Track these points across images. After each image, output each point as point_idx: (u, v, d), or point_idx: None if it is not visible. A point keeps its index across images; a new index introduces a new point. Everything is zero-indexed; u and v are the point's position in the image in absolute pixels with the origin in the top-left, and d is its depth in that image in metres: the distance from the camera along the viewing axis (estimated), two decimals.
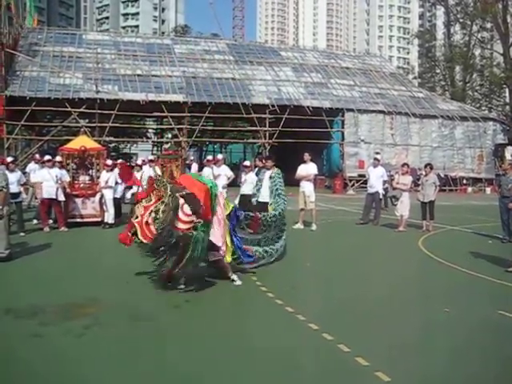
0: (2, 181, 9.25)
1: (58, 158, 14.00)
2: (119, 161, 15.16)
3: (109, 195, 13.99)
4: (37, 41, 36.65)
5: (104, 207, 13.98)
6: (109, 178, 14.04)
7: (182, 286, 7.01)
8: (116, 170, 14.14)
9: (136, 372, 4.42)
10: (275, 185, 10.46)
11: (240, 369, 4.48)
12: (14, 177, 12.05)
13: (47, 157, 14.01)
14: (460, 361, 4.73)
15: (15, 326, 5.56)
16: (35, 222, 13.98)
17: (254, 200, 11.23)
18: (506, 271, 8.47)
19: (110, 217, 13.97)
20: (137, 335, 5.37)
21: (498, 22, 47.65)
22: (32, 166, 16.88)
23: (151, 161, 16.48)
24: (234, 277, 7.45)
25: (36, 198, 13.72)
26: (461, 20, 53.43)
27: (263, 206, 10.53)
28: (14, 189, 11.47)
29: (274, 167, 11.07)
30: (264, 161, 12.02)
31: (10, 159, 13.30)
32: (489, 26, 53.14)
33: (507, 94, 50.81)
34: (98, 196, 14.03)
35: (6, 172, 10.52)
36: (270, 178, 10.76)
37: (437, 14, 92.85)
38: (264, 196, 10.95)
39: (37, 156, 18.75)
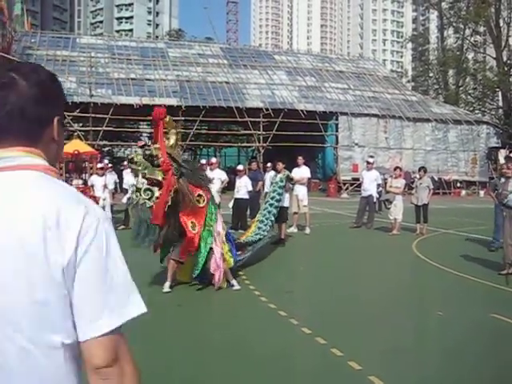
0: None
1: None
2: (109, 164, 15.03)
3: (109, 199, 13.91)
4: (30, 44, 36.55)
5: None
6: (106, 181, 13.94)
7: (168, 290, 6.99)
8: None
9: None
10: (273, 191, 10.52)
11: (232, 373, 4.45)
12: None
13: None
14: (453, 365, 4.71)
15: None
16: None
17: None
18: (499, 274, 8.48)
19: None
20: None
21: (490, 25, 47.92)
22: None
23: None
24: (234, 282, 7.39)
25: None
26: (454, 24, 53.58)
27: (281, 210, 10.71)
28: None
29: (283, 170, 11.25)
30: (276, 164, 11.99)
31: None
32: (482, 29, 53.37)
33: (500, 98, 51.05)
34: (101, 202, 13.88)
35: None
36: (272, 183, 10.90)
37: (430, 17, 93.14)
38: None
39: None
